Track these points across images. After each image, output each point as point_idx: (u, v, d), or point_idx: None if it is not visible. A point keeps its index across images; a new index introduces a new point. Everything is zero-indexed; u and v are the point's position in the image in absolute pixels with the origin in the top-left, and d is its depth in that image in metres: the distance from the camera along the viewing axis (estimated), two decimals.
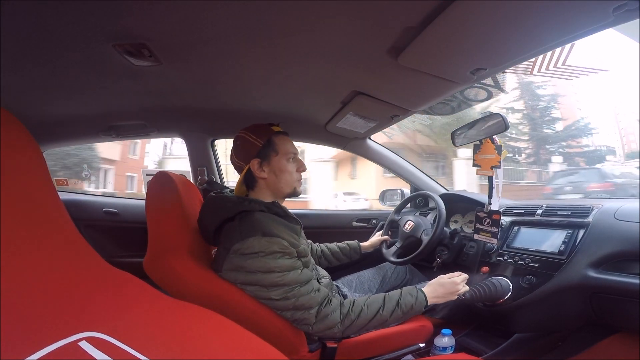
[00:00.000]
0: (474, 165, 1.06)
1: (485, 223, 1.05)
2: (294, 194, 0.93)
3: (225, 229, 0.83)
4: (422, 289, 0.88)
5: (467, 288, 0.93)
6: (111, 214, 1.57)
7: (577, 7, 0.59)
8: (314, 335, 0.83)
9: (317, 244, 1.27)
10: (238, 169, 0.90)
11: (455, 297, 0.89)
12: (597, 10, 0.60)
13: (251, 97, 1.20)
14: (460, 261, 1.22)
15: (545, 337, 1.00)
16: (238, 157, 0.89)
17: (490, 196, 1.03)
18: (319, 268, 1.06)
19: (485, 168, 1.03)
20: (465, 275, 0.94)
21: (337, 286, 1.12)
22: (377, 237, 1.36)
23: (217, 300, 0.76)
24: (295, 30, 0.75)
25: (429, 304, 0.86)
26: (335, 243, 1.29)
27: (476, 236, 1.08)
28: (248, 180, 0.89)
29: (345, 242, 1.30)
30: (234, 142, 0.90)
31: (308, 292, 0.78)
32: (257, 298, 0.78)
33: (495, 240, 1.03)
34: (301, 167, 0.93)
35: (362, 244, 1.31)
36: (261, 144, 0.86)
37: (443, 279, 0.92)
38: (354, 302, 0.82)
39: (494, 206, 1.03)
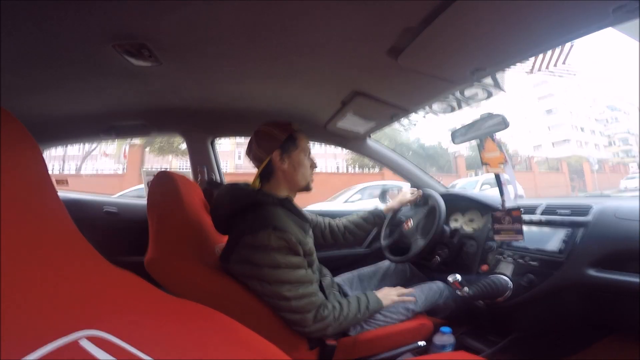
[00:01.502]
0: (483, 163, 1.05)
1: (506, 222, 1.02)
2: (307, 188, 0.95)
3: (238, 219, 0.84)
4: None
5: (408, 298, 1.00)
6: (111, 213, 1.57)
7: (577, 7, 0.60)
8: (308, 335, 0.84)
9: (335, 219, 1.24)
10: (258, 160, 0.90)
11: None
12: (597, 10, 0.60)
13: (251, 97, 1.21)
14: (460, 260, 1.22)
15: (545, 336, 1.00)
16: (260, 148, 0.89)
17: (501, 194, 1.01)
18: (323, 267, 1.07)
19: (494, 165, 1.02)
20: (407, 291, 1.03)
21: (338, 284, 1.12)
22: (401, 196, 1.32)
23: (218, 298, 0.76)
24: (295, 30, 0.75)
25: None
26: (355, 214, 1.26)
27: (497, 237, 1.03)
28: (265, 172, 0.90)
29: (367, 211, 1.26)
30: (255, 136, 0.90)
31: (310, 294, 0.79)
32: (258, 294, 0.78)
33: (520, 237, 0.98)
34: (313, 164, 0.96)
35: (387, 205, 1.30)
36: (284, 137, 0.88)
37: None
38: (341, 305, 0.87)
39: (509, 203, 1.00)
